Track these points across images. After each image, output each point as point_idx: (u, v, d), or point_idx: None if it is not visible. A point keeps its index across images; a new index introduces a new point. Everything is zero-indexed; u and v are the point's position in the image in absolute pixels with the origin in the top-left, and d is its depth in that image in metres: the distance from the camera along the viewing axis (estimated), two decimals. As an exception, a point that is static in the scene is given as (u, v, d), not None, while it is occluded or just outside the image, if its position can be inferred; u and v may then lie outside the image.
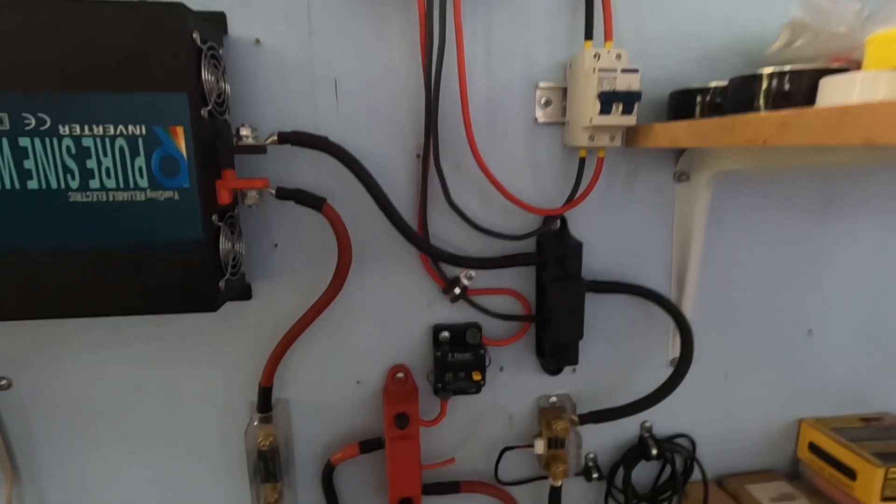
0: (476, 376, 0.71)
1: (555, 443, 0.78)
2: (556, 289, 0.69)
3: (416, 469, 0.72)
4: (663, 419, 0.83)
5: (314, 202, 0.61)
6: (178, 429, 0.73)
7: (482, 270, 0.72)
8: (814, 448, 0.84)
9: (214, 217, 0.56)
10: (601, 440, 0.83)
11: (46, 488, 0.73)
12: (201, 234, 0.53)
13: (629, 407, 0.74)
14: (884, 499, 0.74)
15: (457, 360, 0.72)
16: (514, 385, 0.78)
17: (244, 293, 0.69)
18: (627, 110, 0.60)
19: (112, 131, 0.50)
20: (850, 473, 0.77)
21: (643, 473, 0.84)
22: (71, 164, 0.50)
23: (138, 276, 0.54)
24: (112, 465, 0.73)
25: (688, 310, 0.75)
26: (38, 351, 0.68)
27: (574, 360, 0.74)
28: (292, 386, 0.74)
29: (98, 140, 0.50)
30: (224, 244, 0.58)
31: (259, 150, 0.59)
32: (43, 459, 0.72)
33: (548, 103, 0.69)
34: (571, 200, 0.70)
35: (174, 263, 0.54)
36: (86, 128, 0.50)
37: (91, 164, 0.50)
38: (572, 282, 0.69)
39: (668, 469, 0.84)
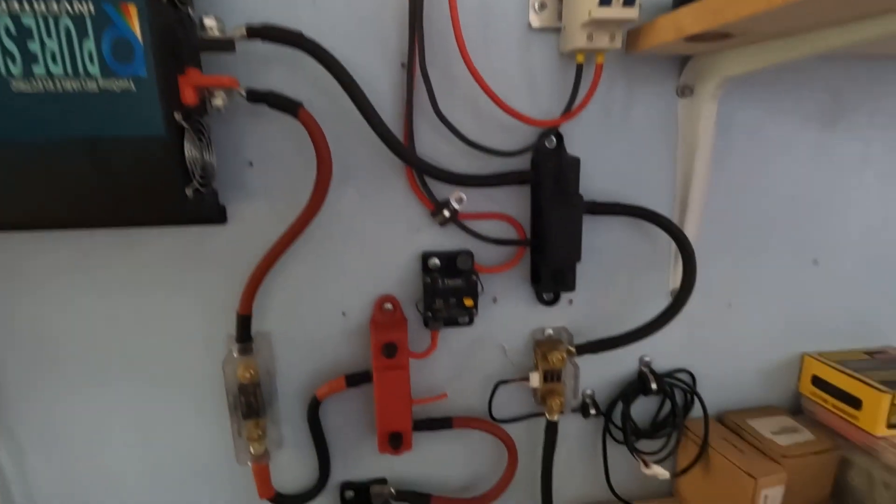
0: (468, 302, 0.68)
1: (551, 376, 0.74)
2: (553, 207, 0.65)
3: (405, 402, 0.68)
4: (663, 354, 0.80)
5: (289, 106, 0.56)
6: (153, 362, 0.69)
7: (473, 192, 0.68)
8: (817, 381, 0.81)
9: (178, 115, 0.50)
10: (599, 377, 0.80)
11: (16, 427, 0.69)
12: (162, 130, 0.48)
13: (629, 335, 0.71)
14: (890, 426, 0.72)
15: (447, 287, 0.68)
16: (508, 317, 0.74)
17: (219, 216, 0.64)
18: (629, 2, 0.55)
19: (56, 8, 0.44)
20: (856, 403, 0.75)
21: (642, 409, 0.82)
22: (11, 46, 0.45)
23: (94, 178, 0.49)
24: (84, 400, 0.69)
25: (691, 235, 0.71)
26: (-2, 281, 0.64)
27: (571, 286, 0.70)
28: (274, 319, 0.70)
29: (41, 19, 0.45)
30: (190, 150, 0.53)
31: (226, 46, 0.54)
32: (10, 396, 0.67)
33: (542, 6, 0.64)
34: (569, 111, 0.65)
35: (134, 163, 0.49)
36: (25, 4, 0.44)
37: (34, 46, 0.45)
38: (569, 199, 0.65)
39: (667, 405, 0.81)
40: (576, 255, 0.67)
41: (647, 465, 0.76)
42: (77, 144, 0.48)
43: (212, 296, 0.67)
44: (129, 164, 0.49)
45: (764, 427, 0.79)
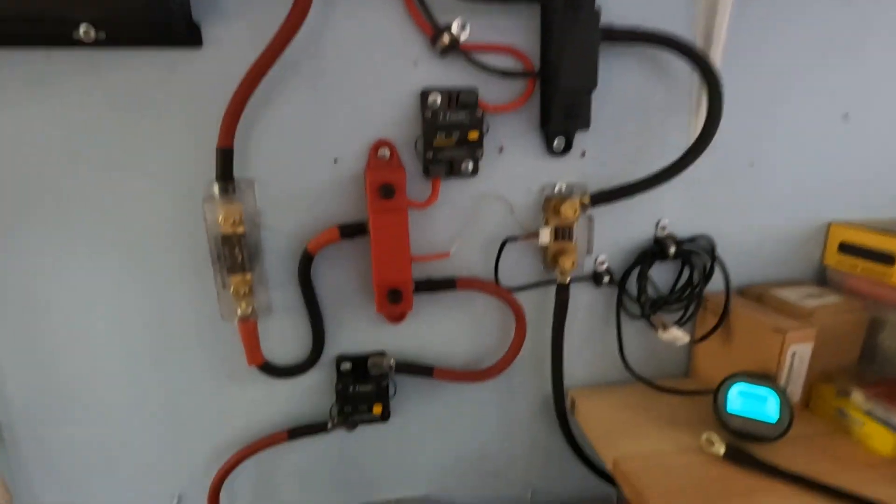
0: (472, 135, 0.61)
1: (562, 233, 0.69)
2: (566, 23, 0.58)
3: (404, 251, 0.63)
4: (681, 220, 0.74)
5: None
6: (124, 208, 0.62)
7: (476, 21, 0.61)
8: (844, 248, 0.76)
9: None
10: (613, 244, 0.74)
11: (-25, 285, 0.63)
12: None
13: (649, 180, 0.65)
14: (926, 278, 0.67)
15: (449, 121, 0.62)
16: (516, 170, 0.68)
17: (191, 35, 0.57)
18: None
19: None
20: (888, 259, 0.69)
21: (658, 280, 0.76)
22: None
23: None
24: (47, 254, 0.62)
25: (714, 74, 0.65)
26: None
27: (585, 122, 0.64)
28: (258, 165, 0.63)
29: None
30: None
31: None
32: (-35, 246, 0.61)
33: None
34: (583, -89, 0.58)
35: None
36: None
37: None
38: (584, 15, 0.58)
39: (684, 274, 0.76)
40: (591, 79, 0.60)
41: (664, 328, 0.71)
42: None
43: (189, 132, 0.60)
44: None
45: (788, 295, 0.74)
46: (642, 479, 0.59)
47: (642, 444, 0.66)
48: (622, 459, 0.63)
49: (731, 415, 0.65)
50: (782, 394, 0.62)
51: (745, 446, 0.63)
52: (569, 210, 0.66)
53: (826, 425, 0.68)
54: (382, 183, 0.60)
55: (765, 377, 0.65)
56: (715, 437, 0.63)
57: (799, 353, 0.66)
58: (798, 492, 0.57)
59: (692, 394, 0.74)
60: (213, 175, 0.60)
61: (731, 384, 0.65)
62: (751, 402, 0.64)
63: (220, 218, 0.60)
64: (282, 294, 0.68)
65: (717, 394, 0.66)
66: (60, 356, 0.66)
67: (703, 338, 0.73)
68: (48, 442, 0.70)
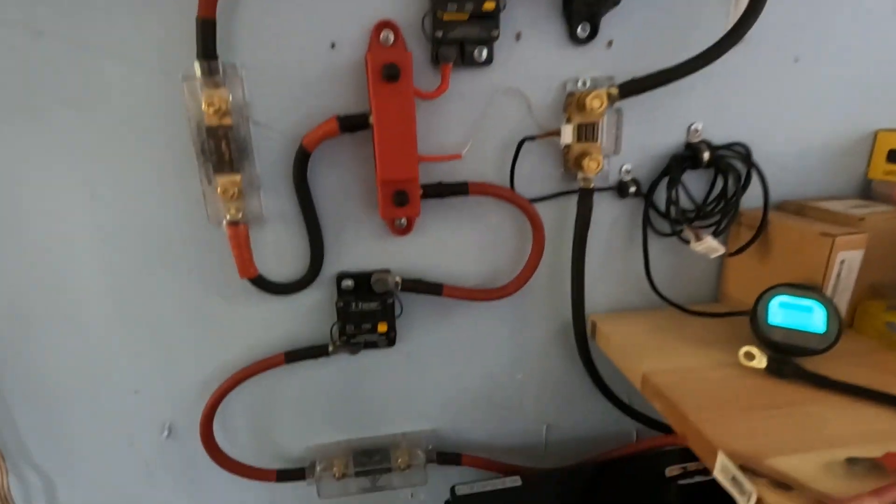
0: (488, 6, 0.54)
1: (586, 132, 0.62)
2: None
3: (411, 144, 0.56)
4: (715, 125, 0.67)
5: None
6: (97, 94, 0.55)
7: None
8: (894, 156, 0.69)
9: None
10: (640, 149, 0.67)
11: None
12: None
13: (686, 64, 0.58)
14: None
15: (462, -7, 0.54)
16: (535, 60, 0.61)
17: None
18: None
19: None
20: (948, 161, 0.63)
21: (689, 191, 0.70)
22: None
23: None
24: (11, 144, 0.56)
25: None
26: None
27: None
28: (246, 49, 0.56)
29: None
30: None
31: None
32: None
33: None
34: None
35: None
36: None
37: None
38: None
39: (718, 185, 0.69)
40: (625, -63, 0.53)
41: (698, 237, 0.65)
42: None
43: (166, 9, 0.53)
44: None
45: (833, 205, 0.67)
46: (676, 392, 0.54)
47: (673, 360, 0.60)
48: (652, 374, 0.57)
49: (772, 327, 0.59)
50: (829, 303, 0.56)
51: (789, 360, 0.57)
52: (595, 102, 0.59)
53: (874, 342, 0.62)
54: (386, 63, 0.53)
55: (809, 288, 0.58)
56: (755, 350, 0.57)
57: (848, 262, 0.60)
58: (852, 402, 0.51)
59: (726, 315, 0.68)
60: (194, 60, 0.53)
61: (772, 296, 0.59)
62: (794, 314, 0.58)
63: (204, 103, 0.54)
64: (276, 201, 0.62)
65: (755, 307, 0.60)
66: (31, 270, 0.61)
67: (741, 250, 0.67)
68: (24, 365, 0.65)
